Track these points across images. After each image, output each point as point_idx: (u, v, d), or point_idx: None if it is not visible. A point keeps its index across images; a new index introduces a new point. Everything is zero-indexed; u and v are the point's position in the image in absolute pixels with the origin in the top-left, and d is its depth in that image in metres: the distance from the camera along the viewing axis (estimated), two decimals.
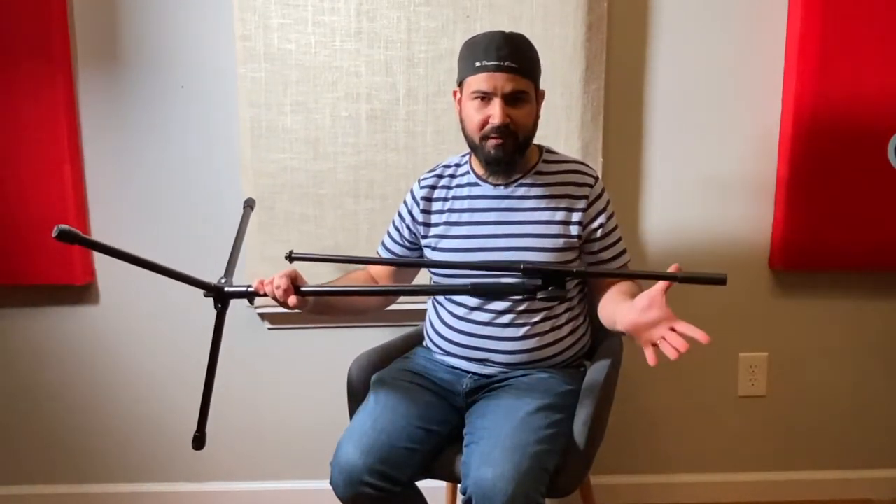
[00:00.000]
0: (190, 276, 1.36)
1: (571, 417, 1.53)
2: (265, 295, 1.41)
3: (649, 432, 2.21)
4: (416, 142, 1.97)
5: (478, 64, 1.51)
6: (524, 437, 1.41)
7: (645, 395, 2.19)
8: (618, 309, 1.45)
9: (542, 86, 1.60)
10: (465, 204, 1.65)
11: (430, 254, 1.68)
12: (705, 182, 2.07)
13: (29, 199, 2.00)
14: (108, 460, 2.21)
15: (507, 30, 1.56)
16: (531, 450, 1.39)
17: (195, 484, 2.23)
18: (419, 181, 1.73)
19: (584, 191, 1.61)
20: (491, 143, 1.53)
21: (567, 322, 1.65)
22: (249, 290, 1.40)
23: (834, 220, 2.02)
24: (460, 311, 1.64)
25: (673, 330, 1.30)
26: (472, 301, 1.62)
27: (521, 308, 1.59)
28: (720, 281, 1.23)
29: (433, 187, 1.70)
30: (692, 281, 1.24)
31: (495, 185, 1.64)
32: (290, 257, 1.47)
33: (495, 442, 1.40)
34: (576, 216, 1.60)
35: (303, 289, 1.41)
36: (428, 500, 1.61)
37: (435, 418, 1.57)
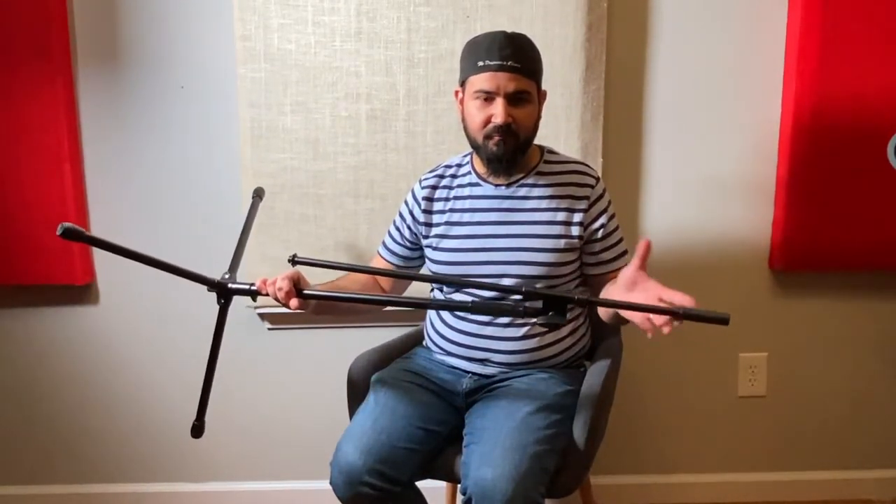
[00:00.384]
0: (194, 272, 1.37)
1: (571, 418, 1.53)
2: (267, 294, 1.41)
3: (649, 432, 2.21)
4: (415, 142, 1.97)
5: (480, 63, 1.51)
6: (524, 438, 1.41)
7: (645, 395, 2.19)
8: (607, 296, 1.47)
9: (542, 86, 1.60)
10: (467, 204, 1.65)
11: (430, 254, 1.69)
12: (705, 182, 2.07)
13: (29, 200, 2.00)
14: (108, 460, 2.21)
15: (509, 30, 1.56)
16: (531, 450, 1.39)
17: (195, 484, 2.23)
18: (420, 181, 1.73)
19: (586, 191, 1.61)
20: (492, 141, 1.54)
21: (567, 322, 1.65)
22: (252, 287, 1.41)
23: (834, 220, 2.02)
24: (461, 311, 1.64)
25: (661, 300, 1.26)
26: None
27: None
28: (723, 321, 1.19)
29: (434, 187, 1.70)
30: (694, 318, 1.20)
31: (497, 186, 1.64)
32: (293, 261, 1.48)
33: (495, 442, 1.40)
34: (577, 217, 1.60)
35: (305, 291, 1.42)
36: (428, 500, 1.61)
37: (435, 418, 1.57)
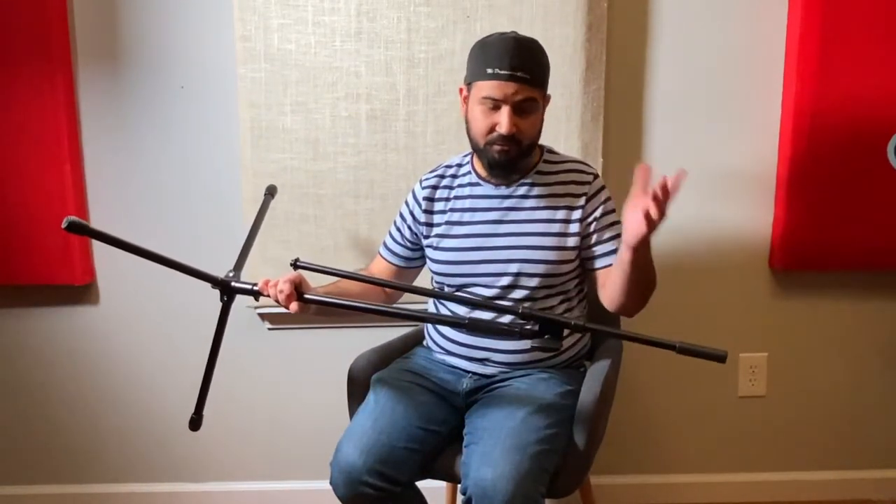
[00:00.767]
0: (199, 270, 1.37)
1: (571, 418, 1.53)
2: (269, 295, 1.41)
3: (649, 432, 2.21)
4: (416, 142, 1.97)
5: (490, 71, 1.50)
6: (524, 438, 1.41)
7: (645, 395, 2.19)
8: (609, 281, 1.51)
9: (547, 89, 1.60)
10: (467, 204, 1.65)
11: (431, 253, 1.69)
12: (705, 182, 2.07)
13: (29, 199, 2.00)
14: (108, 460, 2.21)
15: (515, 31, 1.55)
16: (531, 450, 1.39)
17: (195, 484, 2.23)
18: (421, 181, 1.73)
19: (584, 188, 1.61)
20: (495, 148, 1.54)
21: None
22: (255, 288, 1.41)
23: (834, 219, 2.02)
24: (461, 311, 1.64)
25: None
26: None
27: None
28: (720, 358, 1.18)
29: (435, 187, 1.70)
30: (691, 354, 1.19)
31: (497, 186, 1.64)
32: (295, 265, 1.48)
33: (495, 442, 1.40)
34: (576, 214, 1.60)
35: (306, 296, 1.41)
36: (428, 500, 1.61)
37: (435, 418, 1.57)
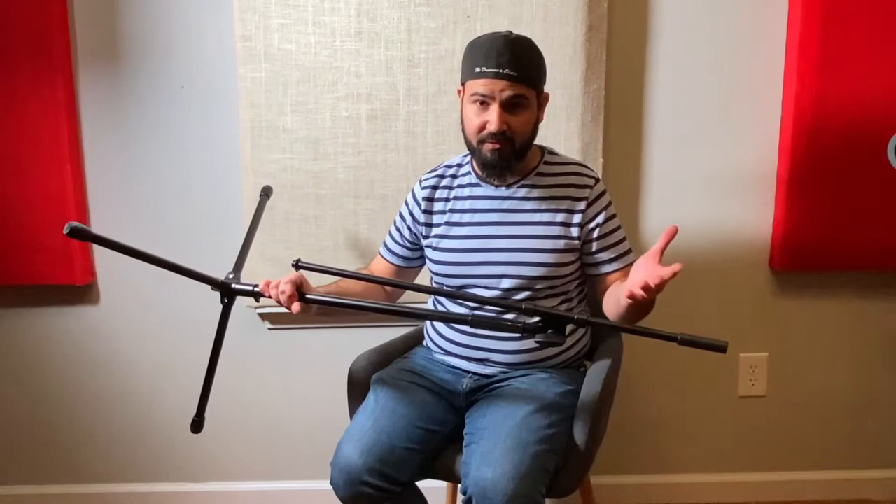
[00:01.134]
0: (199, 272, 1.38)
1: (571, 418, 1.53)
2: (270, 296, 1.41)
3: (649, 432, 2.21)
4: (416, 142, 1.97)
5: (478, 69, 1.51)
6: (524, 438, 1.41)
7: (645, 395, 2.19)
8: (612, 297, 1.50)
9: (545, 88, 1.59)
10: (467, 204, 1.65)
11: (431, 254, 1.69)
12: (705, 182, 2.07)
13: (29, 200, 2.00)
14: (108, 460, 2.21)
15: (510, 31, 1.55)
16: (531, 450, 1.39)
17: (195, 484, 2.23)
18: (421, 181, 1.73)
19: (584, 192, 1.61)
20: (487, 147, 1.54)
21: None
22: (255, 289, 1.41)
23: (834, 219, 2.03)
24: (461, 311, 1.64)
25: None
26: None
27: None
28: (720, 349, 1.20)
29: (435, 187, 1.70)
30: (692, 345, 1.20)
31: (497, 186, 1.64)
32: (297, 266, 1.48)
33: (495, 442, 1.40)
34: (576, 217, 1.60)
35: (307, 296, 1.42)
36: (428, 500, 1.61)
37: (435, 418, 1.57)
